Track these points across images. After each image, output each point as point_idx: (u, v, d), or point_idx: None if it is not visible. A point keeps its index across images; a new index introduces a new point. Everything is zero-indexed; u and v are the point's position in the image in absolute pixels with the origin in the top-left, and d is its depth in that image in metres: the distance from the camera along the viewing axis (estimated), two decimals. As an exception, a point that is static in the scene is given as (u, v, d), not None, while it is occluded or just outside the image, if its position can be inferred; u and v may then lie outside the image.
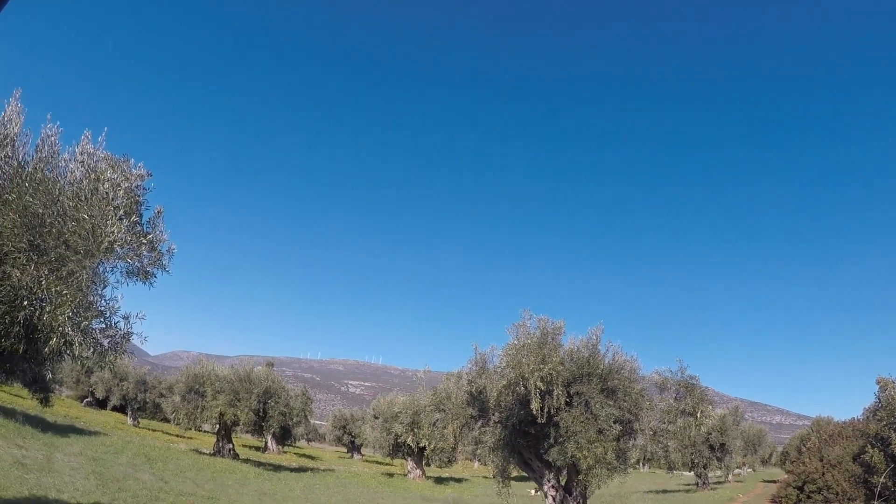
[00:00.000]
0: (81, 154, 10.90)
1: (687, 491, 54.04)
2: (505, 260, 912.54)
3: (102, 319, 10.80)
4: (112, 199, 10.51)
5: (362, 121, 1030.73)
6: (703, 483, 55.86)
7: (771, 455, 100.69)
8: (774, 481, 64.13)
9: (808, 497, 36.42)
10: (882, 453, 18.48)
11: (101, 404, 68.91)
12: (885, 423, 18.61)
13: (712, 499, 45.00)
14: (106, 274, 10.89)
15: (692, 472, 59.68)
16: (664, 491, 53.79)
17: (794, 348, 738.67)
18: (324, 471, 46.66)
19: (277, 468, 42.63)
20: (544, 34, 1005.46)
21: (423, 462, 51.22)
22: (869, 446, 30.08)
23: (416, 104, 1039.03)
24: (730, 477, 67.78)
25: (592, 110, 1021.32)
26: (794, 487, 38.46)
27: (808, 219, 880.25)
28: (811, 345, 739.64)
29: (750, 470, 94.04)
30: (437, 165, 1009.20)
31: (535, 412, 20.67)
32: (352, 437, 79.52)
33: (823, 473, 36.11)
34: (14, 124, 10.54)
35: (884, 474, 17.99)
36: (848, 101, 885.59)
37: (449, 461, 53.04)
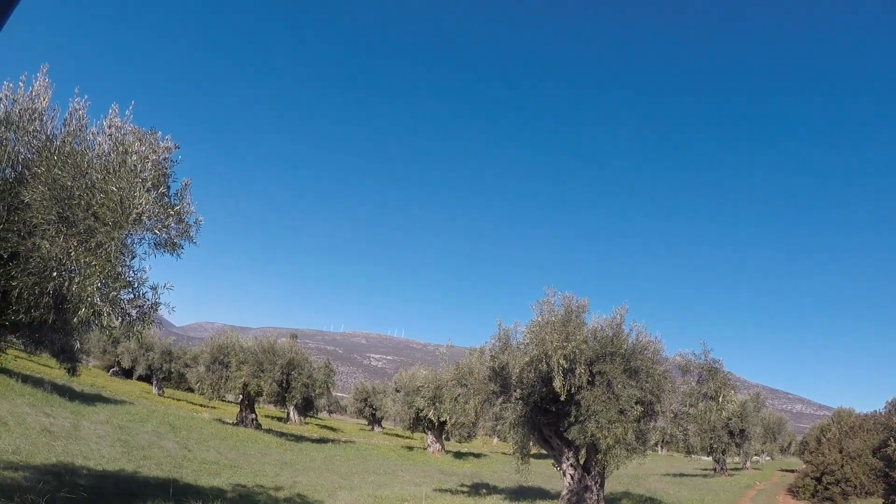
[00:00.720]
0: (109, 127, 10.99)
1: (704, 476, 53.92)
2: (530, 236, 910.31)
3: (130, 290, 10.91)
4: (140, 171, 10.59)
5: (387, 90, 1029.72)
6: (721, 469, 55.68)
7: (790, 444, 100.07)
8: (792, 471, 63.87)
9: (826, 489, 36.31)
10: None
11: (127, 374, 69.60)
12: (907, 417, 18.43)
13: (730, 485, 44.90)
14: (134, 245, 10.99)
15: (710, 457, 59.58)
16: (681, 475, 53.73)
17: (819, 338, 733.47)
18: (344, 442, 47.00)
19: (299, 439, 42.97)
20: None
21: (443, 436, 51.46)
22: (892, 440, 29.91)
23: (443, 75, 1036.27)
24: (748, 464, 67.53)
25: (623, 84, 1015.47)
26: (812, 478, 38.34)
27: (835, 207, 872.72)
28: (836, 335, 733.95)
29: (768, 458, 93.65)
30: (462, 138, 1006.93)
31: (557, 390, 20.72)
32: (373, 409, 79.86)
33: (842, 465, 35.97)
34: (42, 99, 10.63)
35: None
36: None
37: (469, 436, 53.22)
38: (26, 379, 30.69)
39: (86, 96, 11.11)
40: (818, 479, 37.37)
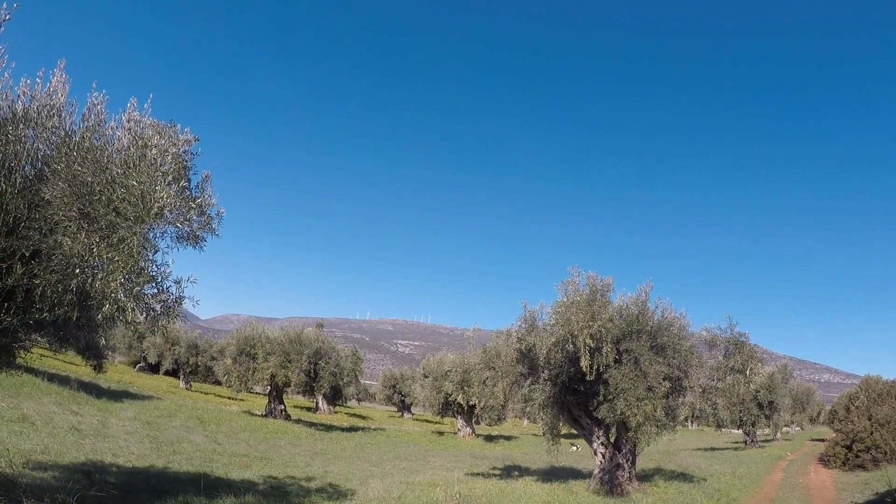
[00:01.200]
0: (128, 121, 10.94)
1: (735, 449, 53.88)
2: (554, 216, 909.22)
3: (154, 285, 10.89)
4: (160, 164, 10.55)
5: (410, 77, 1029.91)
6: (752, 441, 55.66)
7: (819, 414, 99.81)
8: (822, 440, 63.77)
9: (857, 456, 36.16)
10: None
11: (154, 369, 69.99)
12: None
13: (760, 457, 44.82)
14: (156, 239, 10.96)
15: (740, 430, 59.50)
16: (712, 448, 53.71)
17: (845, 307, 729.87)
18: (374, 430, 47.11)
19: (329, 428, 43.11)
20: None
21: (473, 420, 51.52)
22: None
23: (467, 60, 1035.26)
24: (778, 435, 67.47)
25: (646, 63, 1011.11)
26: (842, 446, 38.18)
27: (856, 177, 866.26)
28: (861, 303, 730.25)
29: (798, 428, 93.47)
30: (482, 120, 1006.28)
31: (584, 369, 20.67)
32: (402, 396, 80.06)
33: (872, 433, 35.79)
34: (60, 94, 10.59)
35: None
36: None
37: (499, 419, 53.33)
38: (52, 377, 30.88)
39: (104, 91, 11.05)
40: (848, 447, 37.21)
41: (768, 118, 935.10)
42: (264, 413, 43.85)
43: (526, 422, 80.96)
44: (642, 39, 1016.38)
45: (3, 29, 9.66)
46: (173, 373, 68.35)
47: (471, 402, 46.21)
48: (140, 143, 10.64)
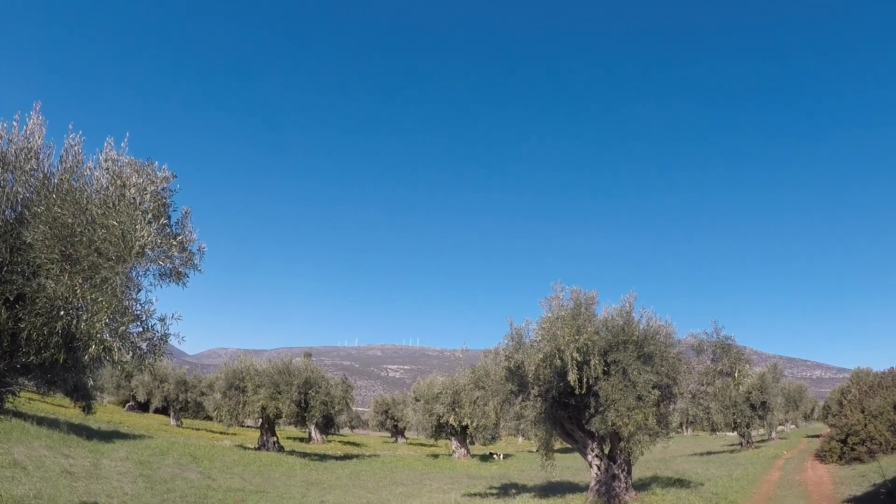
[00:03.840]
0: (106, 161, 10.99)
1: (731, 451, 53.99)
2: (535, 232, 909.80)
3: (139, 323, 10.92)
4: (139, 203, 10.59)
5: (381, 97, 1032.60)
6: (747, 442, 55.82)
7: (813, 410, 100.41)
8: (818, 436, 64.03)
9: (852, 449, 36.33)
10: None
11: (144, 407, 69.68)
12: (920, 370, 18.63)
13: (757, 457, 44.93)
14: (139, 278, 11.00)
15: (735, 433, 59.68)
16: (708, 453, 53.76)
17: (831, 302, 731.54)
18: (369, 457, 47.00)
19: (323, 457, 42.99)
20: None
21: (467, 441, 51.44)
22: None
23: (435, 73, 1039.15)
24: (773, 434, 67.76)
25: (618, 70, 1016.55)
26: (837, 441, 38.38)
27: (834, 167, 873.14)
28: (848, 297, 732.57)
29: (793, 426, 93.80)
30: (462, 140, 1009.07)
31: (573, 383, 20.74)
32: (394, 421, 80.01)
33: (866, 425, 35.99)
34: (37, 137, 10.65)
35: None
36: None
37: (493, 438, 53.29)
38: (41, 421, 30.68)
39: (80, 132, 11.12)
40: (843, 441, 37.38)
41: (736, 115, 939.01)
42: (257, 446, 43.70)
43: (521, 439, 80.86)
44: (609, 46, 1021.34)
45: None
46: (163, 410, 68.04)
47: (463, 423, 46.11)
48: (119, 182, 10.67)
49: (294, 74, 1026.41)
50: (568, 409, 23.65)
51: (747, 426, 54.93)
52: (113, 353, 10.36)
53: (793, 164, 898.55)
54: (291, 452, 44.21)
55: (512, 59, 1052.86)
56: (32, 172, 10.49)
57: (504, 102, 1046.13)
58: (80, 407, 32.41)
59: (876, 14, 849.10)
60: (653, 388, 21.34)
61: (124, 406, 70.35)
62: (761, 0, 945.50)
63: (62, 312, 9.82)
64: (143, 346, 11.10)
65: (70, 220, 10.03)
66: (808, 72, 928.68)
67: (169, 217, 11.51)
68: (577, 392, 21.28)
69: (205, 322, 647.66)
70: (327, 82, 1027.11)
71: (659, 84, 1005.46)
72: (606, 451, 23.88)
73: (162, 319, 11.15)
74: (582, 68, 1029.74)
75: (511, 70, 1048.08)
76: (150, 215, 10.67)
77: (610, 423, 20.78)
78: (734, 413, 51.93)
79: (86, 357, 10.33)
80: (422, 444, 71.45)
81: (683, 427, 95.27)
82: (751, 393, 52.50)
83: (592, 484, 23.67)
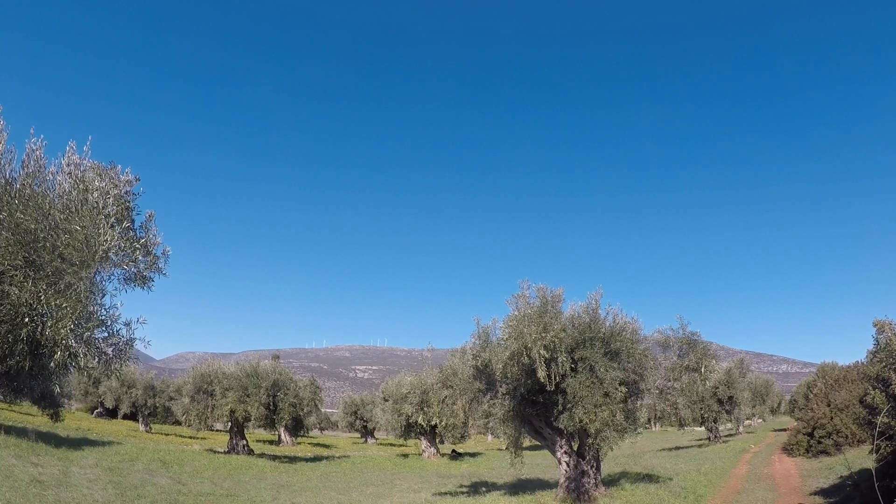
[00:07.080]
0: (68, 165, 10.94)
1: (699, 446, 54.41)
2: (500, 230, 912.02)
3: (104, 328, 10.90)
4: (102, 207, 10.55)
5: (349, 101, 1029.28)
6: (715, 437, 56.34)
7: (780, 404, 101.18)
8: (785, 430, 64.72)
9: (819, 442, 36.78)
10: (883, 394, 18.74)
11: (112, 413, 69.13)
12: (884, 364, 18.83)
13: (725, 451, 45.32)
14: (103, 283, 10.98)
15: (703, 427, 60.20)
16: (677, 448, 54.16)
17: (795, 297, 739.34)
18: (339, 458, 46.88)
19: (293, 460, 42.85)
20: None
21: (437, 440, 51.48)
22: (870, 388, 30.35)
23: (410, 79, 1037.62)
24: (741, 428, 68.49)
25: (581, 69, 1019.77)
26: (804, 434, 38.85)
27: (798, 162, 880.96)
28: (812, 292, 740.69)
29: (760, 420, 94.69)
30: (426, 141, 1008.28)
31: (542, 380, 20.84)
32: (364, 421, 79.85)
33: (832, 418, 36.44)
34: (-2, 142, 10.57)
35: (883, 413, 18.17)
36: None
37: (462, 437, 53.32)
38: (9, 430, 30.36)
39: (42, 136, 11.02)
40: (810, 434, 37.83)
41: (696, 112, 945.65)
42: (227, 450, 43.50)
43: (490, 437, 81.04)
44: (586, 45, 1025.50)
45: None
46: (132, 416, 67.52)
47: (432, 422, 46.21)
48: (81, 186, 10.61)
49: (251, 74, 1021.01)
50: (536, 407, 23.73)
51: (715, 421, 55.43)
52: (79, 359, 10.32)
53: (758, 160, 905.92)
54: (261, 455, 44.04)
55: (483, 61, 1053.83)
56: (-6, 178, 10.41)
57: (470, 103, 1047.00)
58: (47, 415, 32.13)
59: (874, 14, 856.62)
60: (620, 384, 21.49)
61: (92, 413, 69.65)
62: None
63: (27, 319, 9.75)
64: (110, 351, 11.07)
65: (33, 226, 9.96)
66: (768, 68, 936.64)
67: (133, 220, 11.47)
68: (546, 389, 21.39)
69: (172, 326, 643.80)
70: (290, 81, 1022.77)
71: (619, 82, 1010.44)
72: (575, 448, 23.98)
73: (127, 324, 11.15)
74: (539, 68, 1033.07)
75: (465, 70, 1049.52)
76: (113, 219, 10.62)
77: (578, 420, 20.87)
78: (701, 408, 52.42)
79: (52, 364, 10.29)
80: (391, 444, 71.35)
81: (651, 423, 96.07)
82: (718, 388, 52.96)
83: (562, 480, 23.77)
